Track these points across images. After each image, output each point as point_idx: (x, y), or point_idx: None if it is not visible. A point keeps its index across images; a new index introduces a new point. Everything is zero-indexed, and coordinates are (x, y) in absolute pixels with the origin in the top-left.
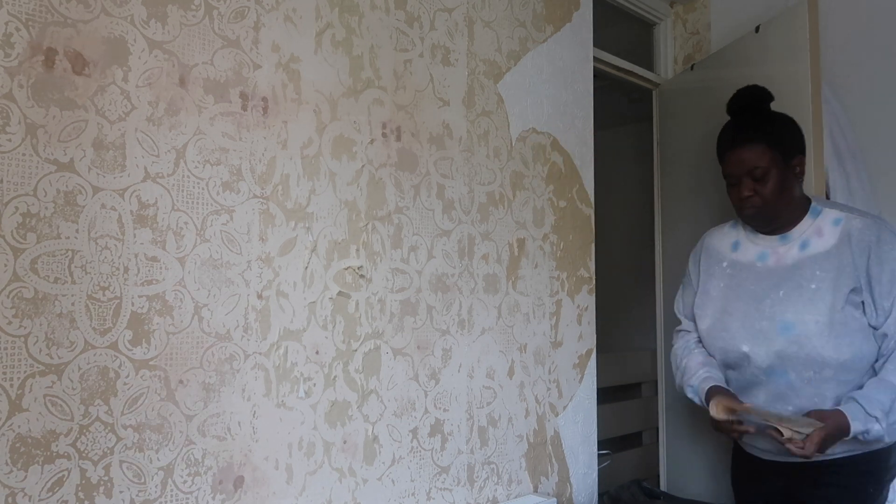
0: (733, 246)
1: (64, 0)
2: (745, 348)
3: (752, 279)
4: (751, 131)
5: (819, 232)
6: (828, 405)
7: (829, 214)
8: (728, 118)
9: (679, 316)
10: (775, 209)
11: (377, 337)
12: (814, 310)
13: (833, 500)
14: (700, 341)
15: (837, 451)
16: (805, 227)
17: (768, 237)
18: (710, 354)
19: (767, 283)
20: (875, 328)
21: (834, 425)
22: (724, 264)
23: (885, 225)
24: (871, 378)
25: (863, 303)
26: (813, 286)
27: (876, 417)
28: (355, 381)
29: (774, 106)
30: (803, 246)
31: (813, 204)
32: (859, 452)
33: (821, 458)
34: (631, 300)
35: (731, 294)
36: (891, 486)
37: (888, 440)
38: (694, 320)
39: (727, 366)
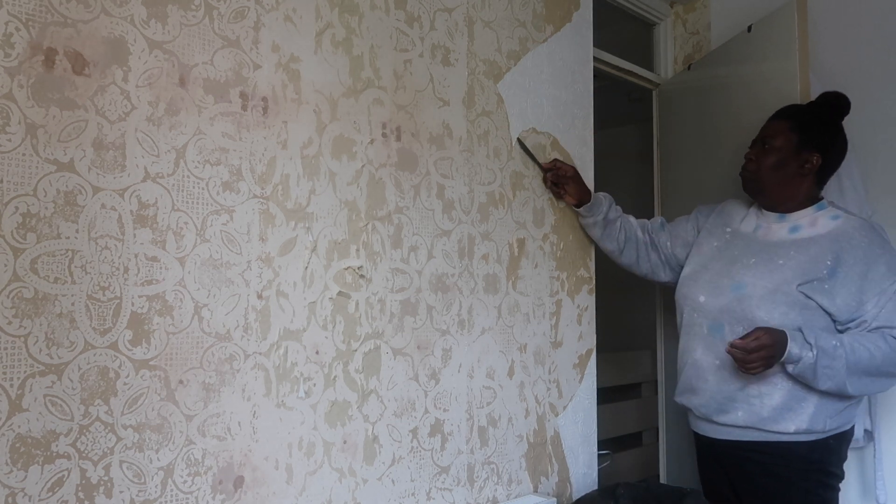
0: (742, 218)
1: (64, 0)
2: (702, 298)
3: (739, 246)
4: (789, 111)
5: (814, 223)
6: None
7: (831, 212)
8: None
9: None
10: (764, 183)
11: (377, 337)
12: (769, 278)
13: (758, 479)
14: (639, 227)
15: (755, 436)
16: (804, 214)
17: (770, 213)
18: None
19: (747, 250)
20: (846, 319)
21: (776, 335)
22: (728, 230)
23: (879, 229)
24: None
25: (817, 294)
26: (780, 262)
27: (811, 345)
28: (355, 381)
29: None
30: (794, 229)
31: (823, 201)
32: (784, 441)
33: (753, 439)
34: (631, 300)
35: (717, 255)
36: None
37: (814, 381)
38: (651, 235)
39: (683, 313)
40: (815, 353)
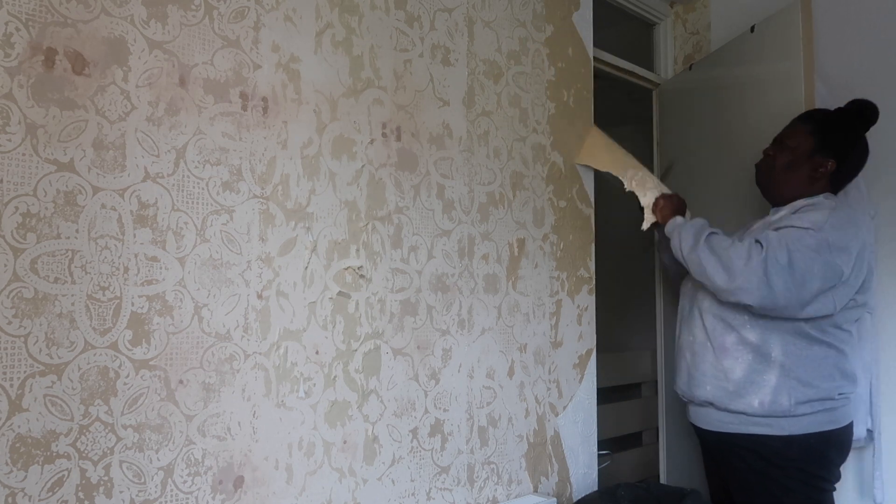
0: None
1: (64, 0)
2: (689, 284)
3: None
4: (810, 114)
5: (794, 208)
6: (716, 336)
7: (814, 199)
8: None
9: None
10: (773, 179)
11: (377, 337)
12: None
13: (742, 473)
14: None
15: (741, 429)
16: (795, 204)
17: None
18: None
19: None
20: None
21: (675, 201)
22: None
23: (832, 211)
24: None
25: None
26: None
27: (679, 232)
28: (355, 381)
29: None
30: (775, 212)
31: (821, 195)
32: (758, 433)
33: (733, 431)
34: (631, 300)
35: None
36: (820, 485)
37: (675, 247)
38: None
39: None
40: (682, 220)
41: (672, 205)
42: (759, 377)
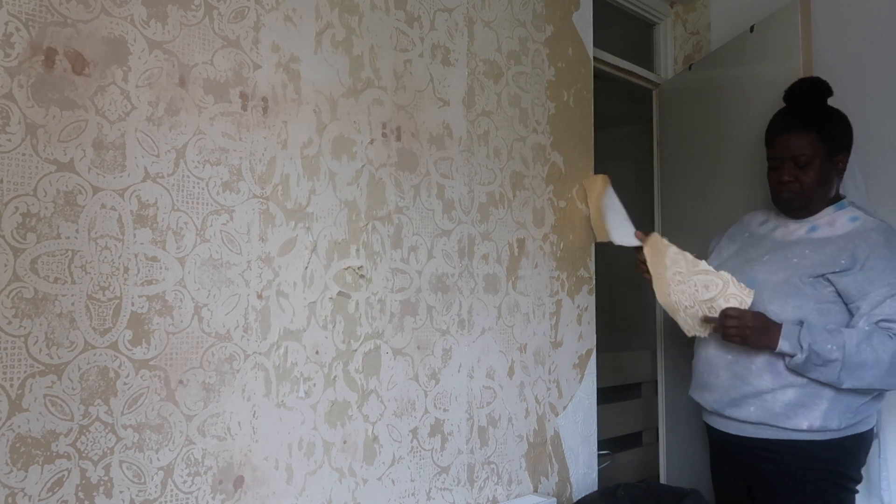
0: (761, 222)
1: (64, 0)
2: None
3: (755, 246)
4: (803, 119)
5: (832, 223)
6: (760, 357)
7: (851, 212)
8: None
9: None
10: (810, 198)
11: (377, 337)
12: (781, 273)
13: (771, 476)
14: None
15: (777, 435)
16: (824, 215)
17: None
18: None
19: (762, 249)
20: (849, 305)
21: (763, 322)
22: (746, 234)
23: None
24: None
25: (834, 284)
26: (795, 260)
27: (802, 347)
28: (355, 381)
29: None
30: (812, 229)
31: (843, 200)
32: (798, 439)
33: (767, 437)
34: (631, 300)
35: (735, 256)
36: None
37: (808, 375)
38: None
39: None
40: (804, 355)
41: (762, 324)
42: (810, 401)
